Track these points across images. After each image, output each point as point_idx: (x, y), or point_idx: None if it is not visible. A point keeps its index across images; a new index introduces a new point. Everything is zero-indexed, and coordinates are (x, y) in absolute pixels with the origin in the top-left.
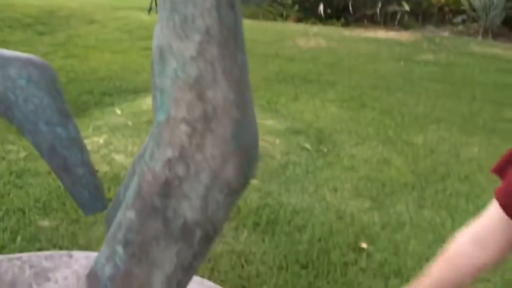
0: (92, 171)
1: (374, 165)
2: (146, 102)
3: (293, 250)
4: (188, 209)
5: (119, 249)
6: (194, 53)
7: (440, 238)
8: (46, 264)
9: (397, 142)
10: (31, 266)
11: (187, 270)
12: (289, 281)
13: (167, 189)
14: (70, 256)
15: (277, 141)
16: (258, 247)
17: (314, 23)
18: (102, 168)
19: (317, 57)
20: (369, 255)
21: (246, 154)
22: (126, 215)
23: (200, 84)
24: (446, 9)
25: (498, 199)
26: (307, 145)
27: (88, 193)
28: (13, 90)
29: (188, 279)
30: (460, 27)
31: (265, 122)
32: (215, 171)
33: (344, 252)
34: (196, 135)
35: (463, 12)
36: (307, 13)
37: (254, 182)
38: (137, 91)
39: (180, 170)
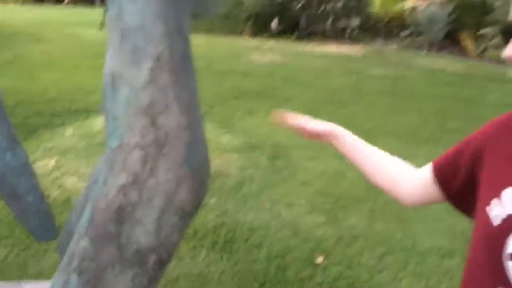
0: (42, 197)
1: (328, 179)
2: (98, 122)
3: (251, 268)
4: (142, 234)
5: (73, 277)
6: (146, 80)
7: (391, 249)
8: None
9: None
10: None
11: None
12: None
13: (121, 215)
14: (20, 287)
15: (233, 157)
16: (216, 267)
17: (267, 38)
18: (53, 192)
19: (271, 72)
20: (324, 269)
21: (199, 175)
22: (79, 243)
23: (152, 110)
24: (393, 23)
25: (433, 163)
26: (263, 161)
27: (39, 220)
28: None
29: None
30: (407, 41)
31: (220, 138)
32: (169, 195)
33: (300, 268)
34: (150, 160)
35: (409, 26)
36: (261, 28)
37: (211, 201)
38: (88, 111)
39: (133, 195)
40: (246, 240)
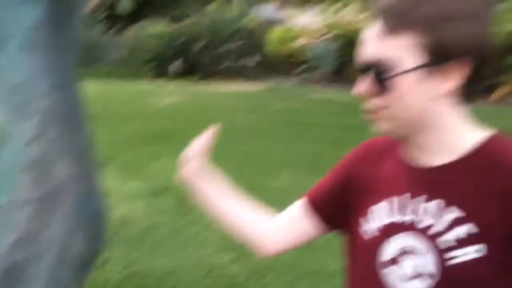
0: None
1: None
2: None
3: None
4: None
5: None
6: (34, 134)
7: (300, 276)
8: None
9: (257, 189)
10: None
11: None
12: None
13: (13, 274)
14: None
15: (140, 204)
16: None
17: (169, 80)
18: None
19: (175, 113)
20: None
21: (94, 224)
22: None
23: (42, 164)
24: (289, 60)
25: (305, 195)
26: (171, 204)
27: None
28: None
29: None
30: (302, 76)
31: (125, 185)
32: (63, 247)
33: None
34: (42, 214)
35: (303, 62)
36: (161, 70)
37: (117, 252)
38: None
39: (26, 252)
40: (159, 287)
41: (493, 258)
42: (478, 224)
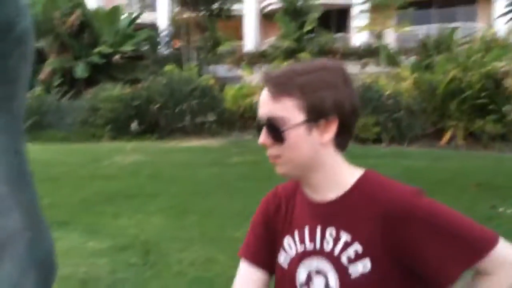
0: None
1: (200, 266)
2: None
3: None
4: None
5: None
6: None
7: None
8: None
9: (221, 240)
10: None
11: None
12: None
13: None
14: None
15: (102, 261)
16: None
17: (128, 139)
18: None
19: (136, 171)
20: None
21: (44, 266)
22: None
23: None
24: (246, 116)
25: (241, 255)
26: (134, 260)
27: None
28: None
29: None
30: None
31: (87, 245)
32: (16, 285)
33: None
34: None
35: None
36: (120, 131)
37: None
38: None
39: None
40: None
41: (378, 273)
42: (362, 244)
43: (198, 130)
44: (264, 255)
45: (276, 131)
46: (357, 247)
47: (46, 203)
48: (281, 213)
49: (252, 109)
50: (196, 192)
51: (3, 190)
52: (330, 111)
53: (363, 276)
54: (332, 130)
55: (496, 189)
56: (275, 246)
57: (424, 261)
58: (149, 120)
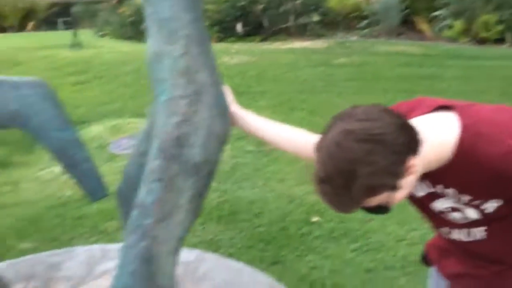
0: (93, 165)
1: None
2: (92, 130)
3: (256, 232)
4: (196, 154)
5: (155, 184)
6: (181, 52)
7: None
8: (54, 259)
9: None
10: (41, 262)
11: (200, 196)
12: (257, 256)
13: (179, 142)
14: (72, 251)
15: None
16: (225, 235)
17: (234, 41)
18: (67, 192)
19: (242, 71)
20: (320, 225)
21: (225, 114)
22: (154, 162)
23: (189, 72)
24: (351, 16)
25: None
26: (251, 148)
27: (92, 184)
28: (27, 107)
29: (201, 201)
30: (366, 31)
31: None
32: (209, 127)
33: (299, 227)
34: (192, 104)
35: (366, 17)
36: (226, 33)
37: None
38: (79, 122)
39: (185, 128)
40: (247, 211)
41: (505, 205)
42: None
43: (302, 32)
44: None
45: None
46: (477, 201)
47: None
48: None
49: (359, 8)
50: (301, 90)
51: (194, 50)
52: None
53: (495, 208)
54: None
55: None
56: None
57: None
58: (253, 22)
